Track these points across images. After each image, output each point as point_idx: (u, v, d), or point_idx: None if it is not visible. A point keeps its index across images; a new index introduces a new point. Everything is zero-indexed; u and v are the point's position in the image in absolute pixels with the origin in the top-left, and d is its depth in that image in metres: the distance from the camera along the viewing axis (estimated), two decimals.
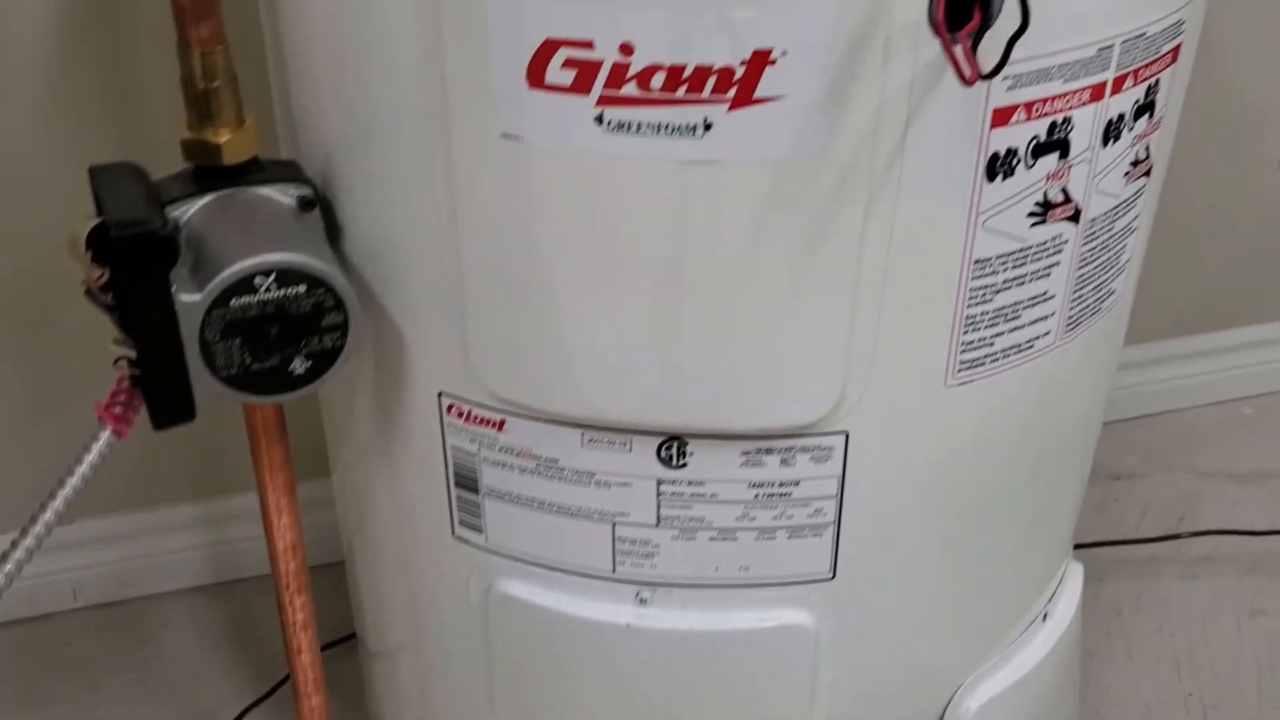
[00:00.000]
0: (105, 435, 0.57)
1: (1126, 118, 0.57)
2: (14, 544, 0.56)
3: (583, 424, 0.60)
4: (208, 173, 0.59)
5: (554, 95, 0.50)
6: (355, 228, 0.62)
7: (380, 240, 0.61)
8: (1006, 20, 0.46)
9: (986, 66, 0.47)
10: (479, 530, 0.67)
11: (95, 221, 0.51)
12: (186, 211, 0.57)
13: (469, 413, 0.63)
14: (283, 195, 0.59)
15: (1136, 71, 0.56)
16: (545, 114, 0.50)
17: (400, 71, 0.54)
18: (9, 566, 0.54)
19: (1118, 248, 0.63)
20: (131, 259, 0.51)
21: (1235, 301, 1.39)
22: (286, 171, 0.61)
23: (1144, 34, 0.55)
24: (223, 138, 0.58)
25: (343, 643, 1.11)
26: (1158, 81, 0.58)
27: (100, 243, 0.51)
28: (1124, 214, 0.62)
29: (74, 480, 0.56)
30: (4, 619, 1.16)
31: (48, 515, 0.55)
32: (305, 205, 0.59)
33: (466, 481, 0.65)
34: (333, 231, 0.62)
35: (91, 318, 0.55)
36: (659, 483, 0.61)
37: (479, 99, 0.51)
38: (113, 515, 1.16)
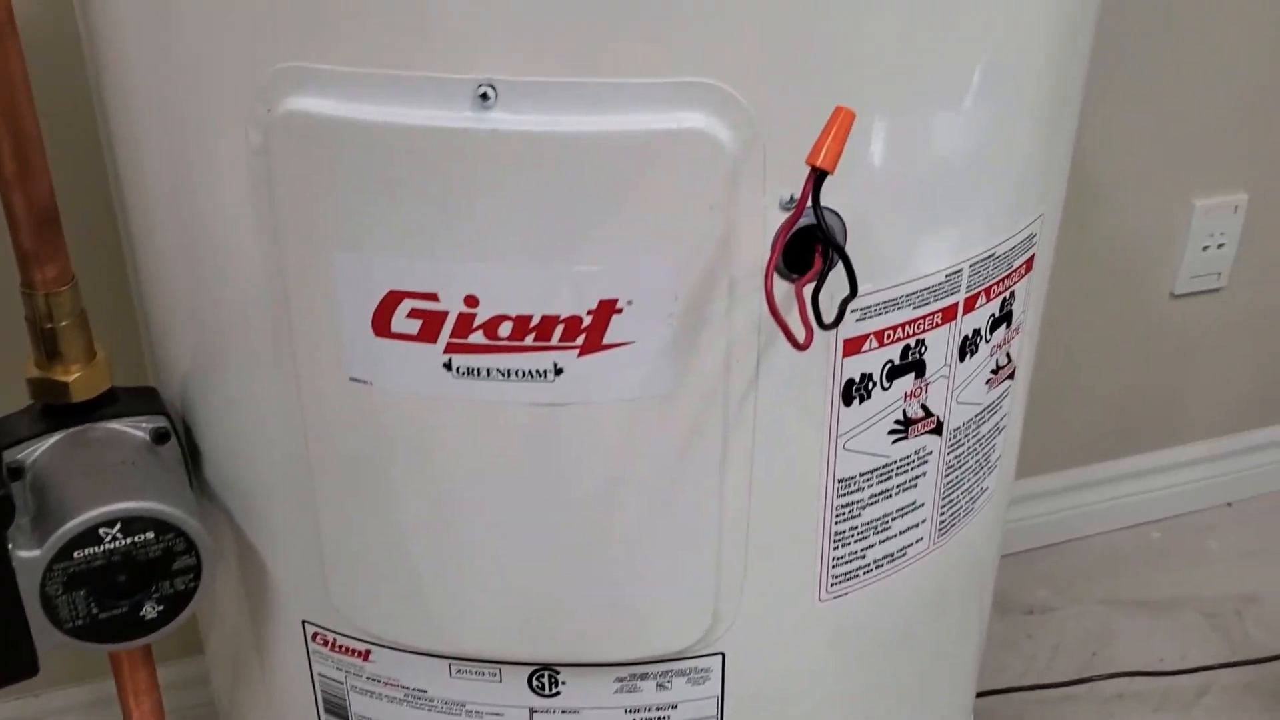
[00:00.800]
0: None
1: (983, 331, 0.58)
2: None
3: (448, 656, 0.58)
4: (57, 410, 0.57)
5: (401, 343, 0.49)
6: (213, 454, 0.60)
7: (238, 468, 0.59)
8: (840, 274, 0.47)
9: (829, 312, 0.47)
10: None
11: None
12: (32, 454, 0.55)
13: (334, 641, 0.61)
14: (135, 429, 0.57)
15: (989, 289, 0.56)
16: (393, 360, 0.50)
17: (248, 307, 0.53)
18: None
19: (986, 449, 0.63)
20: None
21: (1141, 425, 1.41)
22: (142, 402, 0.59)
23: (994, 254, 0.56)
24: (71, 375, 0.56)
25: None
26: (1013, 293, 0.59)
27: None
28: (989, 418, 0.62)
29: None
30: None
31: None
32: (159, 438, 0.58)
33: (336, 708, 0.63)
34: (193, 456, 0.60)
35: None
36: (532, 712, 0.59)
37: (326, 343, 0.51)
38: None
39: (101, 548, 0.52)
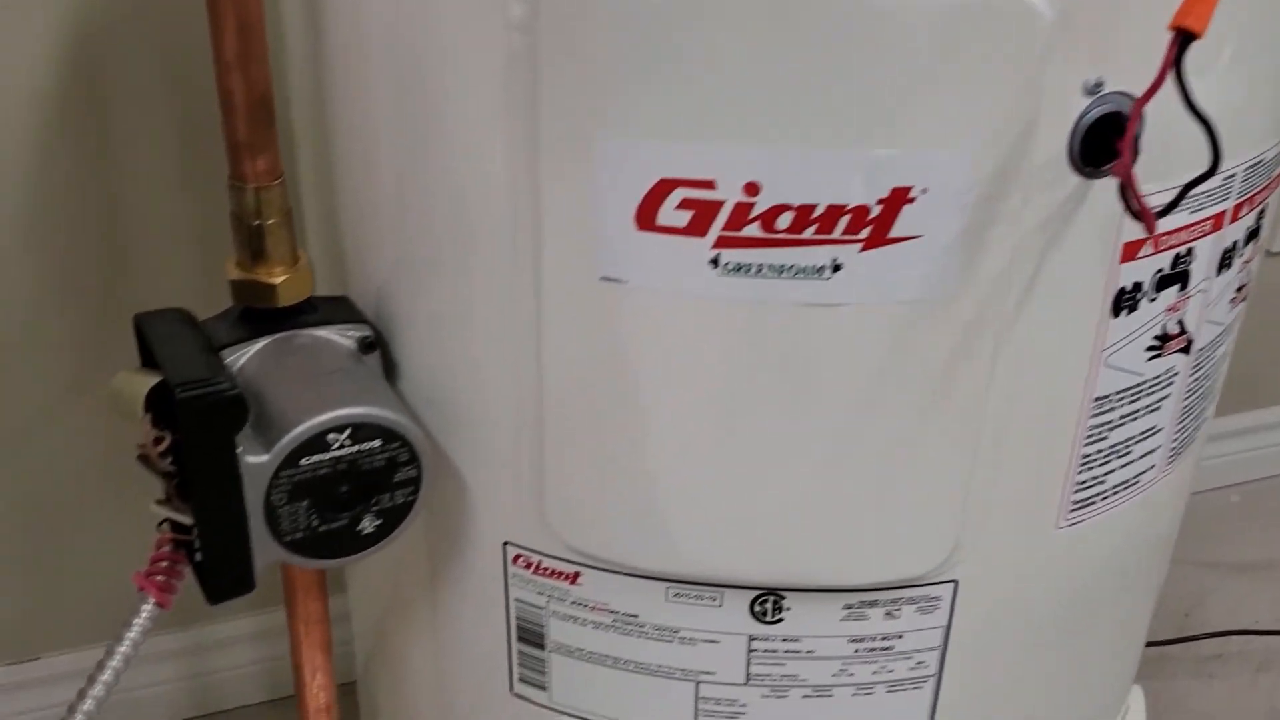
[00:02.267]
0: (148, 608, 0.51)
1: (1239, 245, 0.55)
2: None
3: (668, 578, 0.55)
4: (259, 315, 0.53)
5: (665, 237, 0.46)
6: (414, 370, 0.57)
7: (444, 384, 0.56)
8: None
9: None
10: (542, 688, 0.61)
11: (154, 380, 0.46)
12: (239, 359, 0.52)
13: (538, 564, 0.58)
14: (341, 337, 0.54)
15: (1252, 198, 0.53)
16: (653, 256, 0.46)
17: (484, 207, 0.50)
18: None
19: (1215, 375, 0.60)
20: (200, 422, 0.46)
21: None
22: (341, 310, 0.56)
23: (1261, 160, 0.52)
24: (277, 278, 0.53)
25: None
26: (1266, 206, 0.56)
27: (162, 404, 0.46)
28: (1224, 340, 0.59)
29: (115, 661, 0.50)
30: None
31: (88, 704, 0.49)
32: (366, 347, 0.55)
33: (531, 636, 0.60)
34: (388, 373, 0.57)
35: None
36: (750, 639, 0.56)
37: (578, 240, 0.47)
38: (84, 649, 1.08)
39: (329, 455, 0.49)
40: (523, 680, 0.62)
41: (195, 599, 1.02)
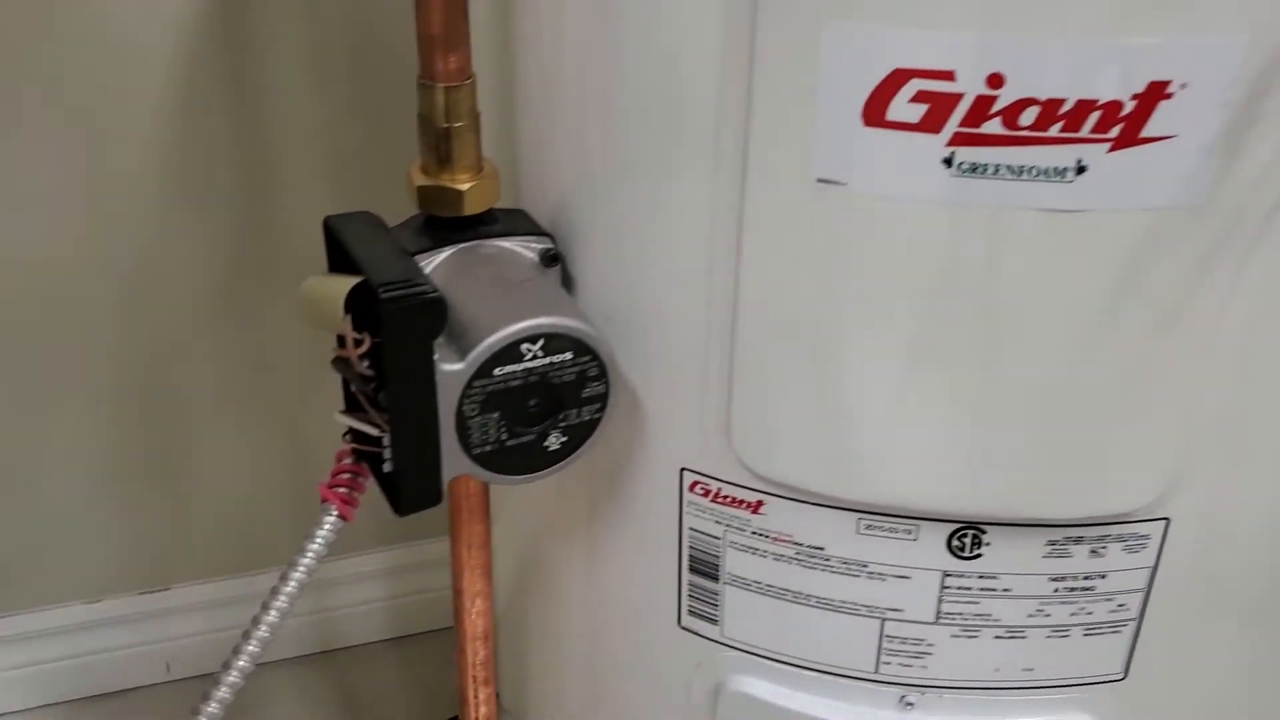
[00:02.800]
0: (331, 520, 0.50)
1: None
2: (242, 639, 0.49)
3: (862, 509, 0.53)
4: (443, 224, 0.52)
5: (894, 134, 0.43)
6: (592, 285, 0.55)
7: (625, 299, 0.54)
8: None
9: None
10: (713, 621, 0.59)
11: (353, 282, 0.44)
12: (426, 268, 0.50)
13: (717, 492, 0.55)
14: (524, 249, 0.52)
15: None
16: (880, 156, 0.43)
17: (686, 99, 0.47)
18: (232, 675, 0.47)
19: None
20: (401, 324, 0.44)
21: None
22: (521, 222, 0.54)
23: None
24: (463, 184, 0.51)
25: None
26: None
27: (360, 306, 0.44)
28: None
29: (298, 573, 0.49)
30: (96, 692, 1.09)
31: (272, 615, 0.48)
32: (549, 260, 0.52)
33: (704, 567, 0.58)
34: (565, 289, 0.55)
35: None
36: (944, 576, 0.53)
37: (794, 138, 0.44)
38: (210, 580, 1.09)
39: (521, 365, 0.47)
40: (692, 613, 0.60)
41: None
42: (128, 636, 1.08)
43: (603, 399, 0.50)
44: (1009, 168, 0.42)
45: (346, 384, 0.50)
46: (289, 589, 0.48)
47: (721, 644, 0.60)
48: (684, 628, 0.60)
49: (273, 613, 0.48)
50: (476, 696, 0.67)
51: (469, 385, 0.47)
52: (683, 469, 0.56)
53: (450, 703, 1.07)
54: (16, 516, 1.00)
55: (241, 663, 0.48)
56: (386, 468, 0.48)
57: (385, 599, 1.16)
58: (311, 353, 0.97)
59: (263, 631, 0.48)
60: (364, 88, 0.89)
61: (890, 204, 0.44)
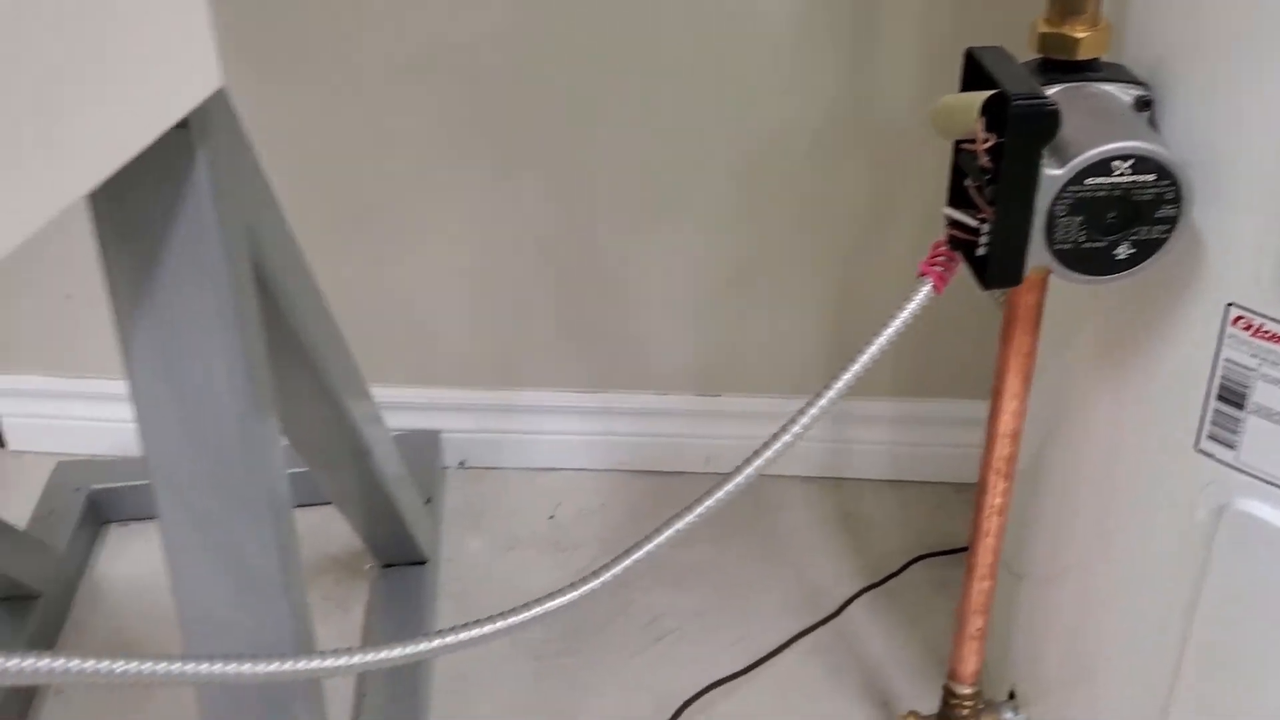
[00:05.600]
0: (925, 290, 0.64)
1: None
2: (830, 383, 0.64)
3: None
4: (1056, 65, 0.63)
5: None
6: (1179, 129, 0.64)
7: (1207, 145, 0.62)
8: None
9: None
10: (1230, 446, 0.67)
11: (989, 93, 0.57)
12: None
13: (1259, 327, 0.63)
14: (1122, 93, 0.63)
15: None
16: None
17: None
18: (821, 402, 0.62)
19: None
20: (1025, 129, 0.56)
21: None
22: (1120, 72, 0.64)
23: None
24: (1080, 33, 0.62)
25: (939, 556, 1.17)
26: None
27: (996, 111, 0.57)
28: None
29: (888, 331, 0.63)
30: (649, 468, 1.32)
31: (854, 368, 0.62)
32: (1142, 105, 0.62)
33: (1231, 396, 0.66)
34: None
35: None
36: None
37: None
38: (755, 396, 1.28)
39: (1109, 179, 0.58)
40: (1211, 437, 0.68)
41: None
42: (681, 428, 1.31)
43: (1173, 222, 0.60)
44: None
45: (954, 182, 0.63)
46: (873, 349, 0.63)
47: (1235, 468, 0.68)
48: (1200, 450, 0.69)
49: (856, 365, 0.62)
50: (995, 487, 0.79)
51: (1063, 189, 0.58)
52: (1229, 304, 0.64)
53: (933, 543, 1.20)
54: (626, 315, 1.24)
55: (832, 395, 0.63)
56: (980, 252, 0.61)
57: (890, 443, 1.30)
58: (865, 214, 1.13)
59: (841, 383, 0.62)
60: None
61: None
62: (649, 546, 0.65)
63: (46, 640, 1.11)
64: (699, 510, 0.64)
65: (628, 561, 0.65)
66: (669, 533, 0.65)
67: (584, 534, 1.23)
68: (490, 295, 1.22)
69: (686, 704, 1.02)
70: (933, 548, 1.21)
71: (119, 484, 1.24)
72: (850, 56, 1.06)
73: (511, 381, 1.28)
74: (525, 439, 1.31)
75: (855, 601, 1.14)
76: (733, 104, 1.09)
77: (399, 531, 0.99)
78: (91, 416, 1.30)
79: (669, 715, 1.02)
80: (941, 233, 0.64)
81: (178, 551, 0.46)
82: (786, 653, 1.09)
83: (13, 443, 1.35)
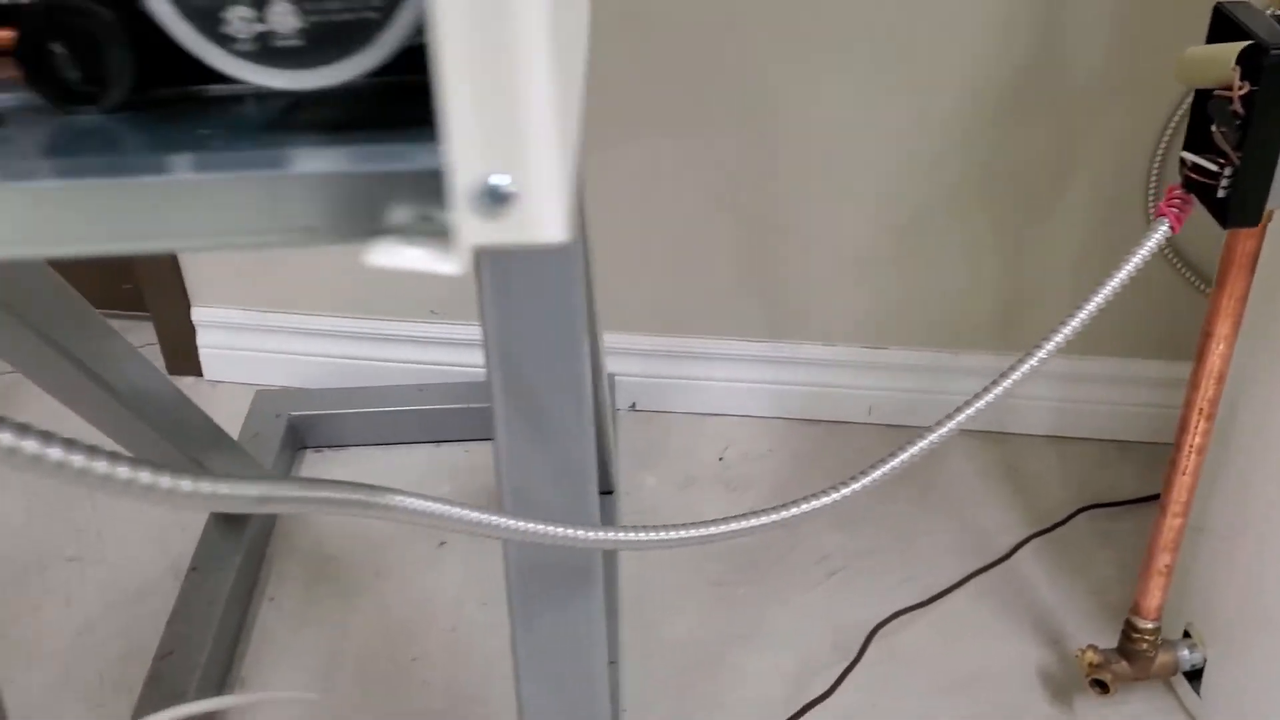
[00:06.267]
0: (1162, 230, 0.67)
1: None
2: (1064, 322, 0.68)
3: None
4: None
5: None
6: None
7: None
8: None
9: None
10: None
11: (1244, 44, 0.61)
12: None
13: None
14: None
15: None
16: None
17: None
18: (1055, 341, 0.66)
19: None
20: (1278, 79, 0.60)
21: None
22: None
23: None
24: None
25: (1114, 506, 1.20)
26: None
27: (1252, 60, 0.60)
28: None
29: (1121, 274, 0.67)
30: (812, 417, 1.36)
31: (1089, 307, 0.66)
32: None
33: None
34: None
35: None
36: None
37: None
38: (920, 349, 1.31)
39: None
40: None
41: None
42: (846, 378, 1.35)
43: None
44: None
45: (1192, 127, 0.67)
46: (1105, 291, 0.67)
47: None
48: None
49: (1098, 298, 0.67)
50: (1197, 427, 0.83)
51: None
52: None
53: (1098, 496, 1.23)
54: (797, 267, 1.28)
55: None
56: (1221, 194, 0.65)
57: (1053, 400, 1.33)
58: (1044, 173, 1.15)
59: (1077, 321, 0.66)
60: None
61: None
62: (856, 485, 0.66)
63: (258, 550, 1.20)
64: (903, 456, 0.68)
65: (827, 499, 0.65)
66: (876, 474, 0.68)
67: (753, 475, 1.29)
68: (665, 244, 1.28)
69: (878, 627, 1.07)
70: (1098, 499, 1.24)
71: (316, 412, 1.32)
72: (1042, 16, 1.09)
73: (682, 329, 1.34)
74: (694, 384, 1.36)
75: (1023, 548, 1.18)
76: (924, 63, 1.12)
77: (598, 459, 1.05)
78: (283, 350, 1.39)
79: (850, 641, 1.07)
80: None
81: (509, 436, 0.52)
82: (958, 592, 1.13)
83: (209, 373, 1.45)
